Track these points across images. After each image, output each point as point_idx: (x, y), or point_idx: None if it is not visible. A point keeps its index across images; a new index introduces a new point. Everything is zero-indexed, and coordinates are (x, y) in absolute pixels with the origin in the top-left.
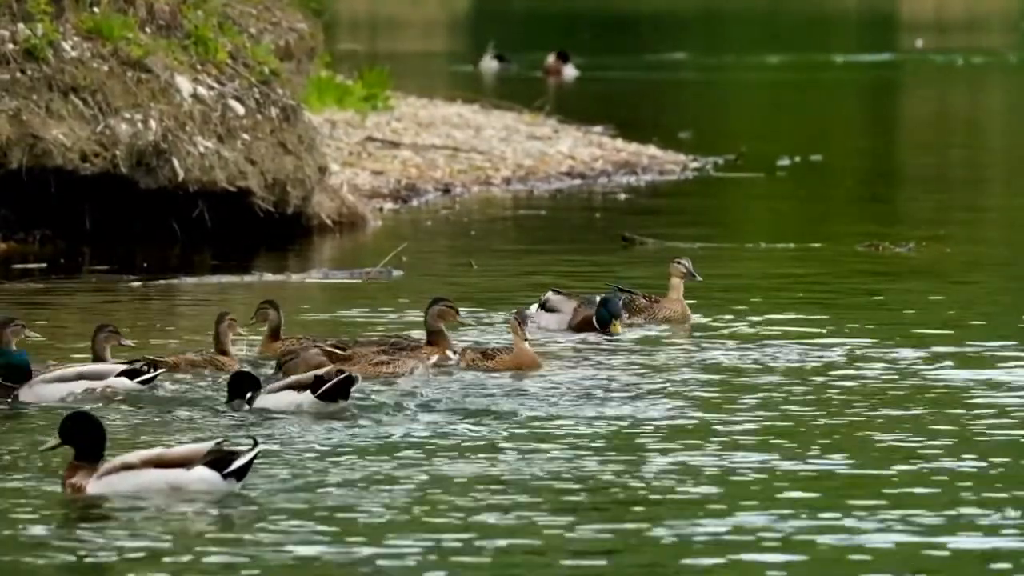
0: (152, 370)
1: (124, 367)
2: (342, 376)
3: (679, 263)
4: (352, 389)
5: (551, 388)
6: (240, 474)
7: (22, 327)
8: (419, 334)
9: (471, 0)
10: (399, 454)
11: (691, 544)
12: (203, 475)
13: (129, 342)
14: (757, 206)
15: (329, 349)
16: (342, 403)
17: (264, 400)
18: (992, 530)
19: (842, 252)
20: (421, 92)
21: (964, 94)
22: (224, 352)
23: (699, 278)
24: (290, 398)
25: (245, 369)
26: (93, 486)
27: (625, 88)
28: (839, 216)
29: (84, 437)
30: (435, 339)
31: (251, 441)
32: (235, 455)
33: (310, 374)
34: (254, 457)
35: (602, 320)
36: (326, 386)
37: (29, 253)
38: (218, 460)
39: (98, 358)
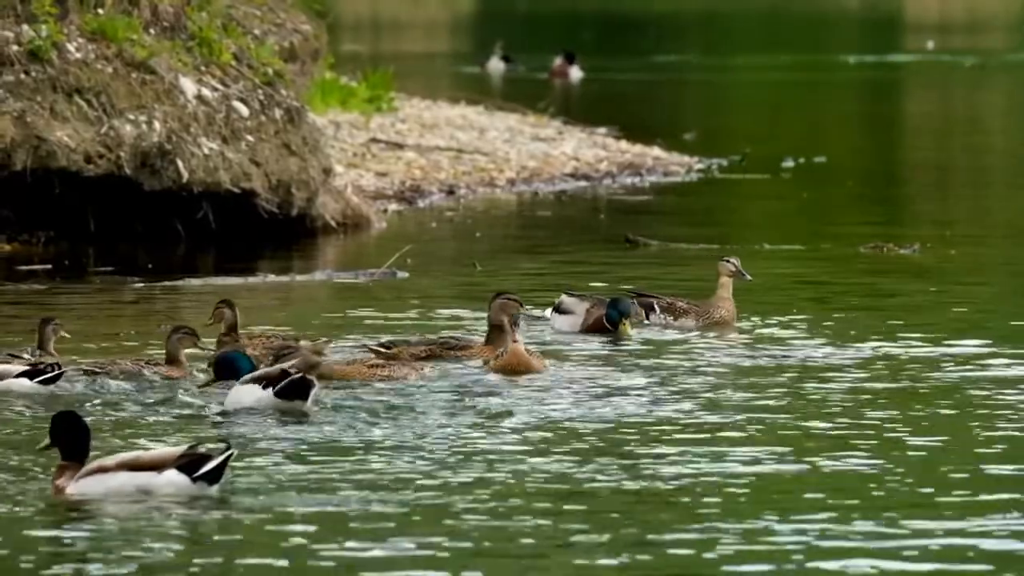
0: (54, 370)
1: (25, 368)
2: (297, 376)
3: (728, 262)
4: (312, 392)
5: (556, 390)
6: (212, 478)
7: (60, 326)
8: (433, 334)
9: (474, 1)
10: (396, 455)
11: (698, 549)
12: (172, 479)
13: (209, 346)
14: (761, 207)
15: (376, 348)
16: (299, 403)
17: (234, 395)
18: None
19: (846, 253)
20: (425, 93)
21: (971, 95)
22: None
23: (749, 277)
24: (255, 394)
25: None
26: (71, 488)
27: (629, 89)
28: (843, 217)
29: (67, 437)
30: (496, 334)
31: (225, 444)
32: (208, 459)
33: (277, 367)
34: (225, 461)
35: (612, 320)
36: (282, 384)
37: (33, 254)
38: (190, 463)
39: (172, 359)
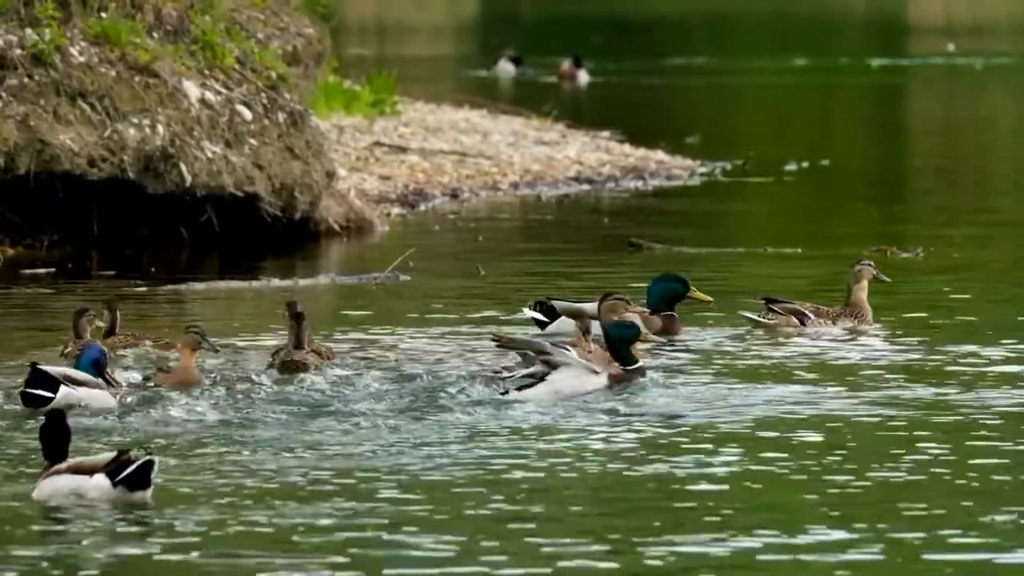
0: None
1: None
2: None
3: (869, 266)
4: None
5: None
6: (133, 483)
7: (94, 316)
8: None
9: (478, 4)
10: (378, 456)
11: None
12: (99, 483)
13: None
14: (765, 211)
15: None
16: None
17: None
18: None
19: (850, 257)
20: (429, 97)
21: (984, 98)
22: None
23: (888, 279)
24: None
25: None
26: (36, 490)
27: (634, 93)
28: (847, 221)
29: (46, 437)
30: None
31: (145, 451)
32: (132, 464)
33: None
34: (143, 467)
35: (678, 293)
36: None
37: (37, 258)
38: (116, 468)
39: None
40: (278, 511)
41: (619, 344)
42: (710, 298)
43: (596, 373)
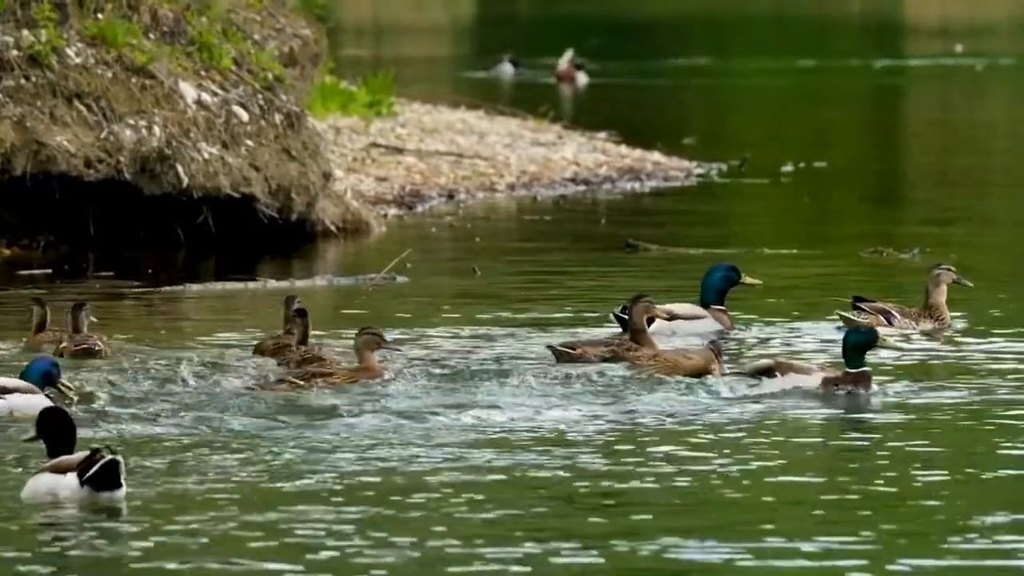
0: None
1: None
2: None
3: (950, 270)
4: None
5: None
6: (99, 483)
7: (89, 311)
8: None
9: (475, 5)
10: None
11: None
12: (70, 483)
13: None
14: (761, 212)
15: (560, 349)
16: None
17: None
18: None
19: (846, 258)
20: (426, 98)
21: (977, 99)
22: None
23: (970, 284)
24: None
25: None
26: (24, 488)
27: (631, 94)
28: (843, 222)
29: (49, 432)
30: (640, 338)
31: (109, 449)
32: (97, 463)
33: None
34: (108, 466)
35: (732, 281)
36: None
37: (33, 259)
38: (84, 468)
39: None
40: (284, 513)
41: (852, 347)
42: (759, 281)
43: (810, 375)
